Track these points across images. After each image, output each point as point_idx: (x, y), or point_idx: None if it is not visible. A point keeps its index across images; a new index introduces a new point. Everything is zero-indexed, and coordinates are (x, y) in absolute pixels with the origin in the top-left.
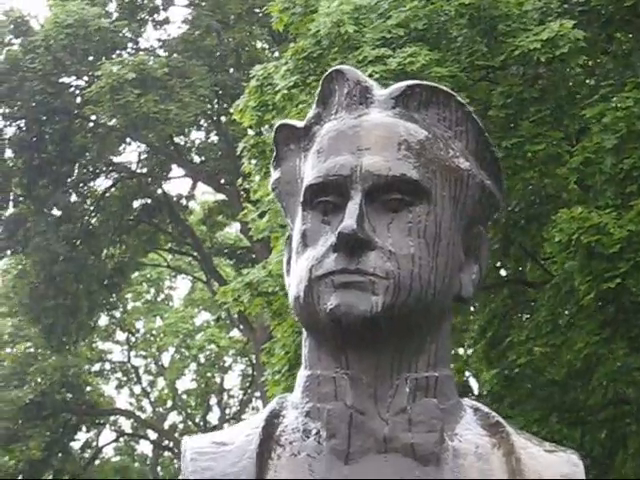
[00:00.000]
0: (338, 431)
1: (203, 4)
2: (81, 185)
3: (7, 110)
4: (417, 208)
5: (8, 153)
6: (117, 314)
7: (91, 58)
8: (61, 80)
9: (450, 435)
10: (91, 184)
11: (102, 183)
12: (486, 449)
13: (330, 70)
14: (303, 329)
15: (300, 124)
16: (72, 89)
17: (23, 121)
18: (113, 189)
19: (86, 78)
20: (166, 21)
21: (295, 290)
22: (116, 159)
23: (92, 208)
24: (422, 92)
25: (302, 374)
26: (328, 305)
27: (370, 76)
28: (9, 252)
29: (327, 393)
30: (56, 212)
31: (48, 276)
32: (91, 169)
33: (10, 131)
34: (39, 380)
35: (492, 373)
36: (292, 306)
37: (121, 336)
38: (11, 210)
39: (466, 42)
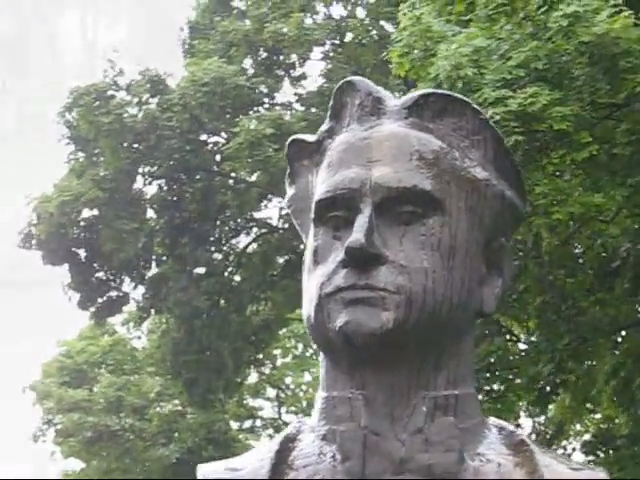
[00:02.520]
0: (352, 453)
1: (339, 57)
2: (223, 242)
3: (146, 169)
4: (430, 220)
5: (150, 213)
6: (266, 370)
7: (228, 115)
8: (199, 138)
9: (471, 455)
10: (233, 241)
11: (243, 240)
12: (508, 468)
13: (341, 82)
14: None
15: (312, 138)
16: (210, 146)
17: (163, 180)
18: (255, 245)
19: (224, 135)
20: (303, 77)
21: (307, 309)
22: (257, 215)
23: (234, 265)
24: (436, 101)
25: (319, 396)
26: (337, 323)
27: (491, 118)
28: (153, 311)
29: (342, 415)
30: (198, 270)
31: (190, 331)
32: (232, 226)
33: (151, 191)
34: (186, 438)
35: (627, 414)
36: (306, 327)
37: (271, 392)
38: (154, 270)
39: (587, 80)
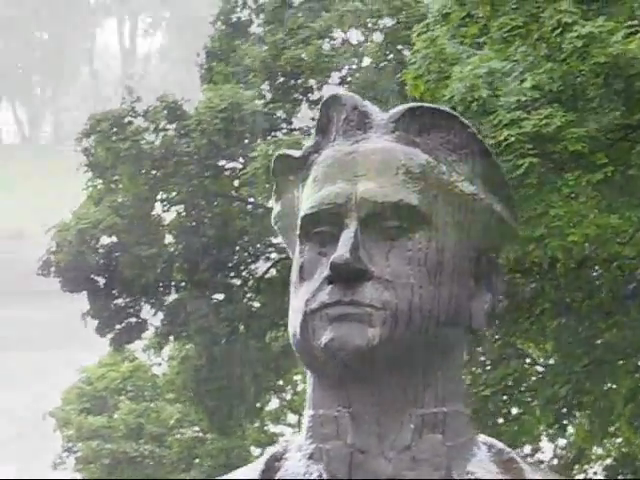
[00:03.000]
0: (338, 472)
1: (356, 81)
2: (242, 268)
3: (165, 195)
4: (417, 235)
5: (169, 239)
6: (287, 396)
7: (246, 141)
8: (217, 163)
9: (460, 473)
10: (252, 267)
11: (262, 265)
12: None
13: (327, 97)
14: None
15: (298, 153)
16: (228, 172)
17: (182, 206)
18: (274, 271)
19: (242, 160)
20: (320, 101)
21: (292, 326)
22: (275, 240)
23: (253, 290)
24: (423, 115)
25: (306, 414)
26: (322, 340)
27: (505, 140)
28: (172, 337)
29: (329, 433)
30: (217, 296)
31: (210, 358)
32: (251, 251)
33: (169, 217)
34: (205, 464)
35: None
36: (292, 344)
37: (292, 418)
38: (174, 296)
39: (603, 101)
